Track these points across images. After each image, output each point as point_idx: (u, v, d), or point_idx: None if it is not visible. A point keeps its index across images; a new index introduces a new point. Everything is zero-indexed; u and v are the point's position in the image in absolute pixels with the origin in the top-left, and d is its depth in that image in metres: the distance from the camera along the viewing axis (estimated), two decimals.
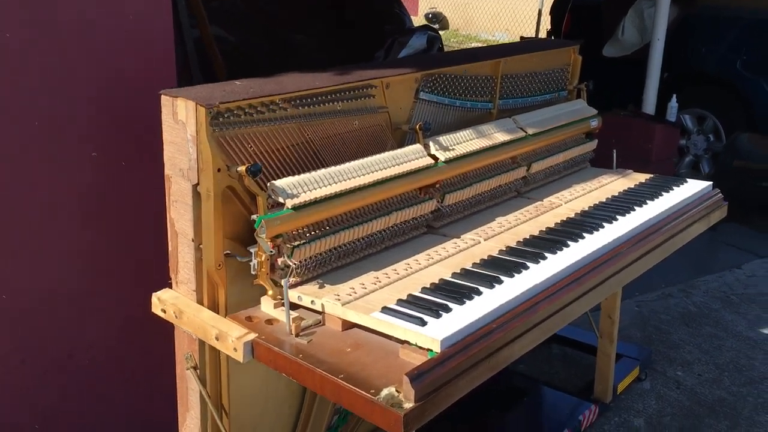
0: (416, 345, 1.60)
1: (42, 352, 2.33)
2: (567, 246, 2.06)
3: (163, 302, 1.88)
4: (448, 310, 1.68)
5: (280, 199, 1.77)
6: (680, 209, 2.43)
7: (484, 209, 2.39)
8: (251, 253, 1.79)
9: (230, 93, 1.76)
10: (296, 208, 1.78)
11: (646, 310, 3.84)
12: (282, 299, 1.82)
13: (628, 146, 5.55)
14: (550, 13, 7.86)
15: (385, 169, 2.00)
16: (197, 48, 3.05)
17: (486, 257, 1.99)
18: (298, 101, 1.89)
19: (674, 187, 2.59)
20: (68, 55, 2.16)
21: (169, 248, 1.88)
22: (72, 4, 2.11)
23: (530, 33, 12.89)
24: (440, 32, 15.91)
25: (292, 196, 1.77)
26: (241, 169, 1.71)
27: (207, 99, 1.69)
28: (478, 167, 2.31)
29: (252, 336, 1.71)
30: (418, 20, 18.71)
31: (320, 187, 1.83)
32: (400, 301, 1.72)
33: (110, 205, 2.33)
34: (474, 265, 1.94)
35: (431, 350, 1.57)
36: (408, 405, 1.46)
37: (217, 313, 1.84)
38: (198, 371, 1.92)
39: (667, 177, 2.70)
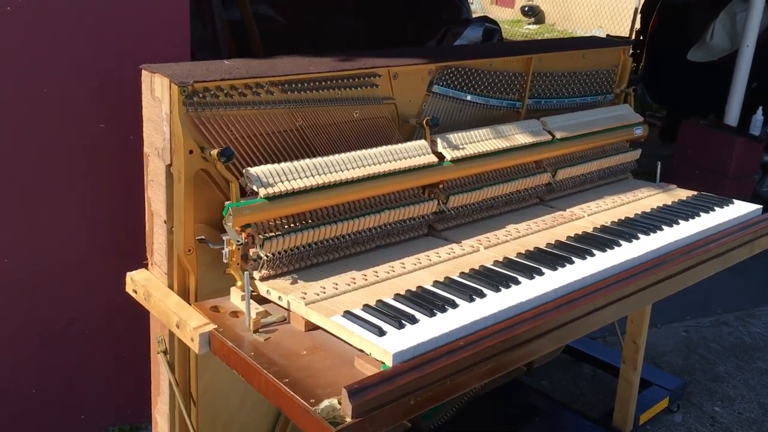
0: (371, 356, 1.48)
1: (41, 320, 2.35)
2: (570, 263, 1.89)
3: (135, 282, 1.83)
4: (414, 321, 1.56)
5: (254, 187, 1.68)
6: (716, 233, 2.20)
7: (498, 215, 2.24)
8: (224, 240, 1.72)
9: (211, 72, 1.68)
10: (270, 198, 1.68)
11: (694, 336, 3.56)
12: (253, 291, 1.75)
13: (706, 158, 5.20)
14: (641, 12, 7.47)
15: (380, 164, 1.89)
16: (237, 28, 3.00)
17: (478, 267, 1.84)
18: (287, 86, 1.80)
19: (716, 208, 2.35)
20: (74, 31, 2.15)
21: (146, 228, 1.83)
22: None
23: (628, 32, 12.36)
24: (535, 26, 15.37)
25: (267, 185, 1.68)
26: (213, 152, 1.64)
27: (182, 77, 1.62)
28: (490, 169, 2.16)
29: (210, 327, 1.63)
30: (514, 13, 18.35)
31: (301, 178, 1.74)
32: (366, 307, 1.61)
33: (117, 178, 2.32)
34: (461, 274, 1.80)
35: (384, 363, 1.46)
36: (348, 420, 1.36)
37: (187, 300, 1.78)
38: (168, 356, 1.87)
39: (711, 196, 2.46)
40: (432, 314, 1.59)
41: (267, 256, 1.72)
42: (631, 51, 7.28)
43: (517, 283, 1.76)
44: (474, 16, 15.74)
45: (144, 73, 1.70)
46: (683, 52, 5.85)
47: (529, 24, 17.67)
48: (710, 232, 2.19)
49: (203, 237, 1.75)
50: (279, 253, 1.74)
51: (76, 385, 2.47)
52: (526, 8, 18.06)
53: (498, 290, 1.72)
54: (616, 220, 2.21)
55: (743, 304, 3.93)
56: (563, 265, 1.87)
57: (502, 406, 2.74)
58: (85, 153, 2.27)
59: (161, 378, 1.93)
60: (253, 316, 1.65)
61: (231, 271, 1.74)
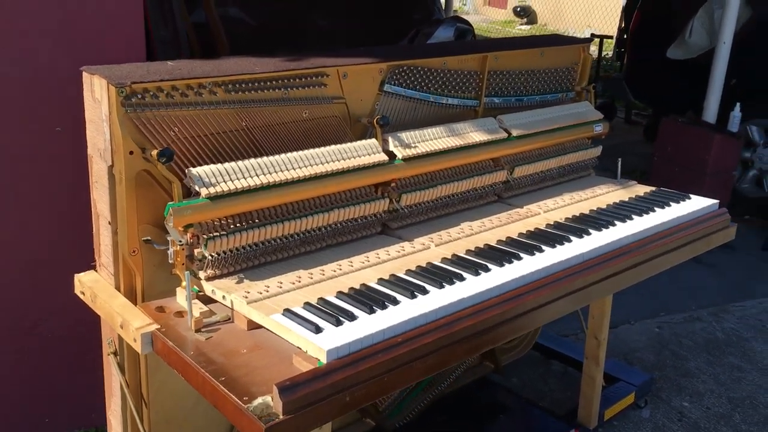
0: (308, 353, 1.49)
1: (7, 321, 2.36)
2: (518, 259, 1.89)
3: (82, 284, 1.84)
4: (352, 318, 1.56)
5: (196, 188, 1.69)
6: (670, 228, 2.21)
7: (455, 212, 2.25)
8: (169, 241, 1.72)
9: (151, 73, 1.69)
10: (213, 197, 1.69)
11: (667, 332, 3.57)
12: (200, 291, 1.75)
13: (685, 156, 5.21)
14: (623, 10, 7.48)
15: (327, 163, 1.89)
16: (204, 31, 3.01)
17: (425, 264, 1.85)
18: (231, 86, 1.80)
19: (672, 203, 2.36)
20: (31, 34, 2.15)
21: (93, 229, 1.84)
22: None
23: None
24: (527, 26, 15.35)
25: (209, 185, 1.69)
26: (153, 153, 1.64)
27: (120, 78, 1.63)
28: (444, 167, 2.16)
29: (153, 327, 1.64)
30: (506, 13, 18.38)
31: (245, 178, 1.74)
32: (306, 305, 1.62)
33: (77, 178, 2.32)
34: (407, 272, 1.81)
35: (320, 360, 1.46)
36: (280, 417, 1.36)
37: (134, 301, 1.79)
38: (118, 357, 1.88)
39: (668, 192, 2.47)
40: (371, 311, 1.60)
41: (212, 256, 1.73)
42: (614, 48, 7.26)
43: (462, 279, 1.77)
44: (467, 17, 15.68)
45: (84, 74, 1.70)
46: (664, 50, 5.87)
47: (522, 24, 17.70)
48: (664, 227, 2.20)
49: (149, 238, 1.76)
50: (224, 252, 1.75)
51: (40, 387, 2.48)
52: (519, 9, 18.09)
53: (441, 287, 1.73)
54: (570, 217, 2.22)
55: (717, 300, 3.94)
56: (510, 262, 1.88)
57: (469, 404, 2.74)
58: (45, 154, 2.27)
59: (113, 380, 1.93)
60: (197, 315, 1.66)
61: (177, 272, 1.74)
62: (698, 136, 5.11)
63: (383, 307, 1.62)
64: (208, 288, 1.73)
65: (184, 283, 1.73)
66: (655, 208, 2.30)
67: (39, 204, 2.31)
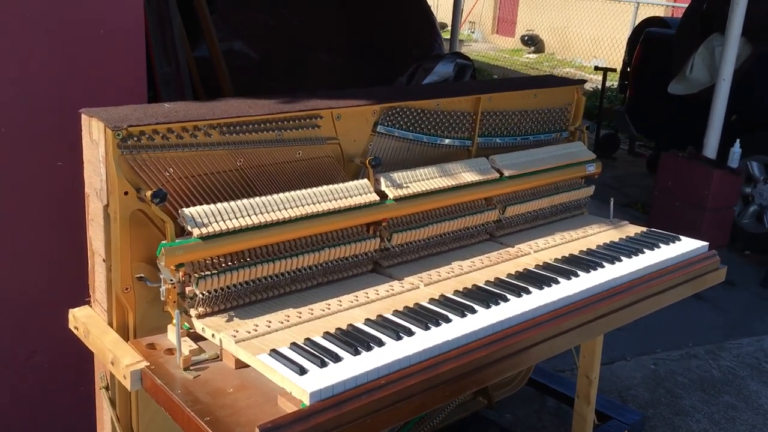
0: (292, 394, 1.52)
1: (4, 351, 2.39)
2: (505, 301, 1.92)
3: (76, 319, 1.88)
4: (337, 359, 1.59)
5: (188, 227, 1.73)
6: (657, 270, 2.23)
7: (446, 251, 2.28)
8: (161, 278, 1.76)
9: (147, 116, 1.74)
10: (205, 237, 1.73)
11: (663, 369, 3.58)
12: (190, 328, 1.79)
13: (685, 191, 5.24)
14: (627, 44, 7.56)
15: (319, 203, 1.93)
16: (207, 65, 3.07)
17: (412, 305, 1.88)
18: (226, 128, 1.85)
19: (661, 245, 2.38)
20: (35, 71, 2.21)
21: (88, 266, 1.88)
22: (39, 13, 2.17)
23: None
24: (535, 55, 15.45)
25: (201, 225, 1.73)
26: (147, 194, 1.69)
27: (117, 121, 1.68)
28: (435, 207, 2.20)
29: (142, 365, 1.67)
30: (514, 42, 18.54)
31: (236, 218, 1.78)
32: (293, 345, 1.65)
33: (76, 213, 2.37)
34: (395, 312, 1.84)
35: (303, 402, 1.49)
36: None
37: (127, 337, 1.82)
38: (109, 392, 1.91)
39: (660, 233, 2.50)
40: (357, 352, 1.62)
41: (203, 294, 1.77)
42: (618, 80, 7.32)
43: (448, 321, 1.80)
44: (475, 44, 15.78)
45: (83, 116, 1.76)
46: (665, 85, 5.93)
47: (529, 53, 17.85)
48: (652, 269, 2.22)
49: (142, 275, 1.80)
50: (215, 291, 1.78)
51: (33, 417, 2.50)
52: (526, 37, 18.25)
53: (427, 328, 1.76)
54: (560, 257, 2.25)
55: (715, 337, 3.94)
56: (497, 303, 1.91)
57: None
58: (46, 188, 2.32)
59: (104, 413, 1.96)
60: (186, 353, 1.69)
61: (168, 309, 1.78)
62: (698, 172, 5.15)
63: (368, 348, 1.65)
64: (199, 326, 1.76)
65: (175, 320, 1.77)
66: (645, 250, 2.33)
67: (38, 236, 2.35)
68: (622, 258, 2.25)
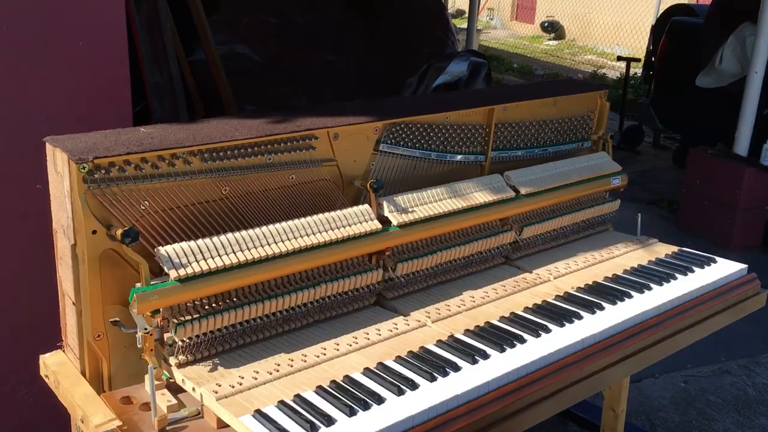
0: None
1: None
2: (521, 342, 1.72)
3: (47, 367, 1.71)
4: (330, 422, 1.41)
5: (165, 269, 1.55)
6: (691, 300, 2.02)
7: (458, 278, 2.08)
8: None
9: (117, 145, 1.56)
10: (183, 280, 1.55)
11: (694, 387, 3.36)
12: (170, 378, 1.61)
13: (715, 189, 4.99)
14: (652, 32, 7.26)
15: (314, 234, 1.74)
16: (202, 71, 2.89)
17: (417, 349, 1.69)
18: (208, 154, 1.66)
19: (695, 269, 2.16)
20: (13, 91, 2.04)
21: (60, 308, 1.71)
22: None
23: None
24: (555, 42, 15.12)
25: (179, 266, 1.54)
26: (117, 233, 1.51)
27: (82, 152, 1.50)
28: (444, 232, 2.00)
29: (114, 425, 1.49)
30: (534, 29, 18.18)
31: (219, 256, 1.60)
32: (280, 404, 1.46)
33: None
34: (397, 359, 1.65)
35: None
36: None
37: (101, 388, 1.65)
38: None
39: (692, 254, 2.27)
40: (351, 413, 1.44)
41: (182, 341, 1.59)
42: (642, 70, 7.02)
43: (457, 369, 1.60)
44: (494, 31, 15.49)
45: (47, 146, 1.58)
46: (693, 77, 5.65)
47: (549, 40, 17.48)
48: (685, 299, 2.01)
49: (117, 319, 1.62)
50: (196, 337, 1.60)
51: None
52: (546, 24, 17.87)
53: (433, 379, 1.56)
54: (583, 286, 2.04)
55: (749, 350, 3.71)
56: (512, 345, 1.71)
57: None
58: (30, 211, 2.16)
59: None
60: (164, 409, 1.52)
61: (145, 357, 1.60)
62: (729, 170, 4.90)
63: (366, 407, 1.46)
64: (179, 377, 1.58)
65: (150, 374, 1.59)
66: (677, 275, 2.11)
67: (22, 267, 2.18)
68: (652, 286, 2.04)
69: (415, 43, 3.65)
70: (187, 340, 1.59)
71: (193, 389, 1.54)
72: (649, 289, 2.02)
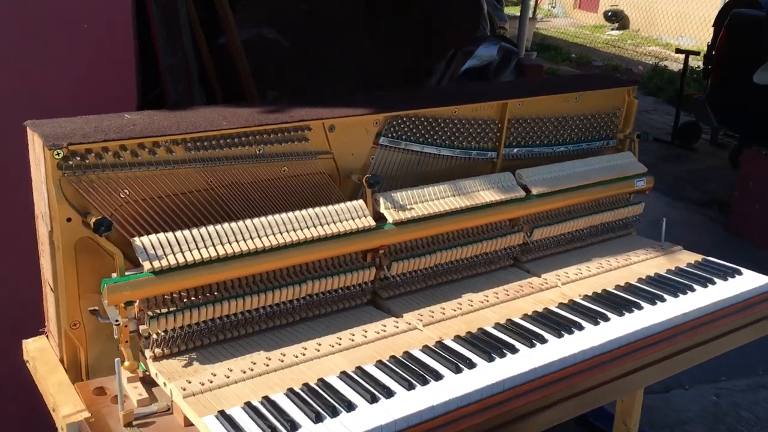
0: None
1: None
2: (513, 352, 1.63)
3: (28, 352, 1.69)
4: (294, 428, 1.35)
5: (140, 260, 1.51)
6: (708, 314, 1.88)
7: (461, 279, 1.99)
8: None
9: (96, 131, 1.52)
10: (158, 272, 1.51)
11: (725, 401, 3.19)
12: (146, 371, 1.58)
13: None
14: (713, 25, 6.94)
15: (302, 229, 1.68)
16: (223, 55, 2.85)
17: (401, 355, 1.61)
18: (191, 143, 1.61)
19: (717, 280, 2.02)
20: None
21: (43, 293, 1.69)
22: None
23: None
24: (618, 32, 14.62)
25: (153, 258, 1.50)
26: (91, 222, 1.47)
27: (57, 138, 1.46)
28: (444, 232, 1.91)
29: (81, 416, 1.47)
30: (597, 18, 17.70)
31: (198, 249, 1.55)
32: (246, 406, 1.41)
33: None
34: (378, 363, 1.58)
35: None
36: None
37: (80, 376, 1.63)
38: None
39: (717, 264, 2.13)
40: (318, 419, 1.37)
41: (157, 335, 1.55)
42: (703, 64, 6.70)
43: (439, 378, 1.52)
44: (555, 20, 15.11)
45: (28, 130, 1.55)
46: (752, 72, 5.37)
47: (612, 30, 16.99)
48: (700, 313, 1.87)
49: (95, 308, 1.59)
50: (173, 330, 1.56)
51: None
52: (610, 13, 17.37)
53: (411, 387, 1.49)
54: (591, 294, 1.93)
55: None
56: (502, 355, 1.61)
57: None
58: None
59: None
60: (134, 403, 1.48)
61: (121, 348, 1.57)
62: None
63: (334, 413, 1.39)
64: (153, 370, 1.55)
65: (126, 363, 1.56)
66: (695, 287, 1.98)
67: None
68: (665, 297, 1.91)
69: (444, 27, 3.54)
70: (163, 334, 1.55)
71: (165, 384, 1.51)
72: (662, 300, 1.90)
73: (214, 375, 1.51)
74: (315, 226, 1.70)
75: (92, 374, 1.64)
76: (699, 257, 2.18)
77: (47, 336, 1.73)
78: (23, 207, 2.03)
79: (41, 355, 1.67)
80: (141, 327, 1.55)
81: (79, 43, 2.06)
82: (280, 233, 1.65)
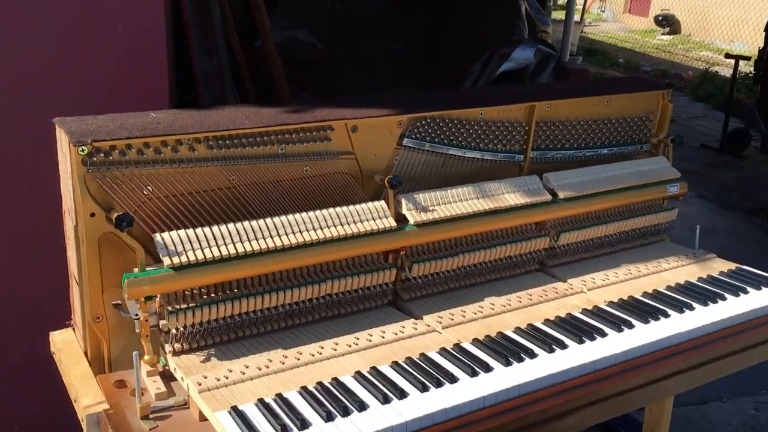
0: None
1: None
2: (532, 357, 1.61)
3: (54, 344, 1.74)
4: (304, 426, 1.36)
5: (161, 255, 1.53)
6: (738, 324, 1.83)
7: (482, 283, 1.97)
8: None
9: (120, 129, 1.55)
10: (178, 268, 1.53)
11: (765, 415, 3.09)
12: (166, 366, 1.60)
13: None
14: (765, 30, 6.75)
15: (323, 228, 1.69)
16: (259, 59, 2.88)
17: (417, 356, 1.60)
18: (214, 142, 1.64)
19: (750, 290, 1.96)
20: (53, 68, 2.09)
21: (69, 287, 1.73)
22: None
23: None
24: (668, 37, 14.33)
25: (174, 254, 1.53)
26: (113, 217, 1.50)
27: (82, 134, 1.50)
28: (466, 234, 1.90)
29: (101, 408, 1.50)
30: (647, 22, 17.39)
31: (218, 246, 1.57)
32: (259, 402, 1.42)
33: None
34: (393, 365, 1.57)
35: None
36: None
37: (103, 369, 1.66)
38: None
39: (751, 273, 2.07)
40: (329, 418, 1.38)
41: (177, 330, 1.57)
42: (754, 69, 6.53)
43: (453, 380, 1.51)
44: (604, 24, 14.88)
45: (56, 126, 1.59)
46: None
47: (663, 34, 16.68)
48: (730, 323, 1.82)
49: (119, 302, 1.62)
50: (192, 326, 1.58)
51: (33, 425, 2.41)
52: (660, 18, 17.04)
53: (425, 389, 1.48)
54: (617, 300, 1.89)
55: None
56: (520, 359, 1.59)
57: None
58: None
59: None
60: (152, 396, 1.51)
61: (142, 342, 1.60)
62: None
63: (346, 413, 1.39)
64: (172, 364, 1.57)
65: (146, 357, 1.59)
66: (726, 295, 1.92)
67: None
68: (694, 305, 1.86)
69: (481, 29, 3.51)
70: (182, 329, 1.58)
71: (182, 379, 1.53)
72: (691, 308, 1.85)
73: (230, 371, 1.52)
74: (335, 226, 1.70)
75: (115, 367, 1.67)
76: (733, 265, 2.12)
77: (73, 328, 1.77)
78: (54, 201, 2.08)
79: (66, 347, 1.71)
80: (161, 322, 1.58)
81: (112, 44, 2.11)
82: (300, 232, 1.66)
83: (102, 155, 1.52)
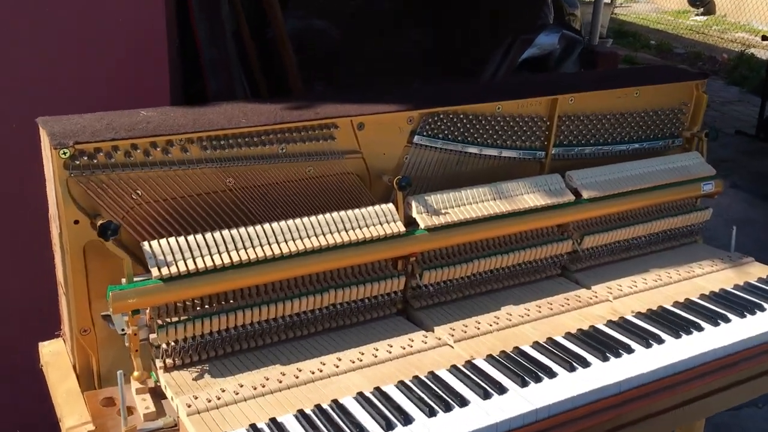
0: None
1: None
2: (551, 376, 1.48)
3: (43, 357, 1.65)
4: None
5: (149, 266, 1.43)
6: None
7: (499, 290, 1.84)
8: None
9: (106, 129, 1.44)
10: (167, 279, 1.42)
11: None
12: (157, 382, 1.50)
13: None
14: None
15: (325, 234, 1.57)
16: (269, 51, 2.76)
17: (426, 374, 1.48)
18: (208, 142, 1.52)
19: None
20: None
21: (58, 295, 1.64)
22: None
23: None
24: (703, 18, 13.94)
25: (162, 264, 1.42)
26: (97, 225, 1.40)
27: (63, 136, 1.39)
28: (481, 238, 1.77)
29: (85, 429, 1.41)
30: (680, 2, 16.92)
31: (211, 255, 1.46)
32: (251, 428, 1.31)
33: None
34: (399, 385, 1.45)
35: None
36: None
37: (92, 384, 1.57)
38: None
39: None
40: None
41: (168, 344, 1.47)
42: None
43: (464, 403, 1.39)
44: (635, 5, 14.53)
45: (39, 127, 1.49)
46: None
47: (697, 15, 16.22)
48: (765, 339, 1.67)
49: (108, 314, 1.52)
50: (184, 340, 1.48)
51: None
52: None
53: (432, 414, 1.36)
54: (645, 311, 1.75)
55: None
56: (538, 380, 1.47)
57: None
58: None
59: None
60: (141, 416, 1.41)
61: (132, 357, 1.50)
62: None
63: None
64: (163, 382, 1.47)
65: (135, 373, 1.49)
66: (766, 306, 1.77)
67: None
68: (730, 317, 1.71)
69: (502, 16, 3.34)
70: (173, 344, 1.47)
71: (172, 399, 1.42)
72: (726, 321, 1.70)
73: (223, 391, 1.42)
74: (339, 231, 1.58)
75: (105, 383, 1.57)
76: None
77: (63, 339, 1.68)
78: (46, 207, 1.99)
79: (55, 360, 1.62)
80: (152, 336, 1.47)
81: (112, 44, 2.01)
82: (302, 238, 1.54)
83: (86, 158, 1.41)
